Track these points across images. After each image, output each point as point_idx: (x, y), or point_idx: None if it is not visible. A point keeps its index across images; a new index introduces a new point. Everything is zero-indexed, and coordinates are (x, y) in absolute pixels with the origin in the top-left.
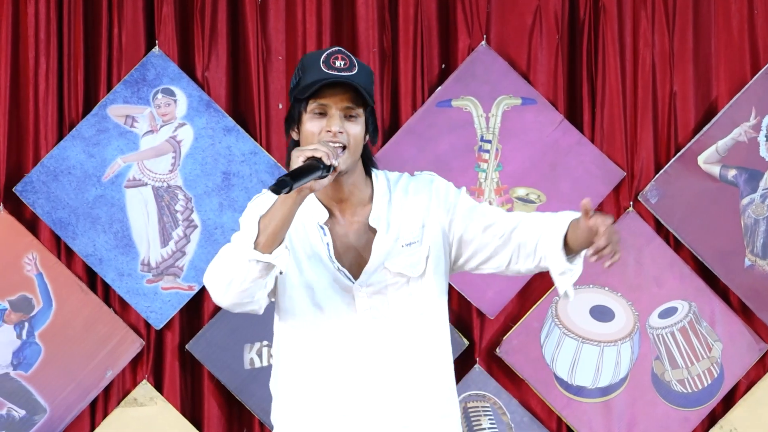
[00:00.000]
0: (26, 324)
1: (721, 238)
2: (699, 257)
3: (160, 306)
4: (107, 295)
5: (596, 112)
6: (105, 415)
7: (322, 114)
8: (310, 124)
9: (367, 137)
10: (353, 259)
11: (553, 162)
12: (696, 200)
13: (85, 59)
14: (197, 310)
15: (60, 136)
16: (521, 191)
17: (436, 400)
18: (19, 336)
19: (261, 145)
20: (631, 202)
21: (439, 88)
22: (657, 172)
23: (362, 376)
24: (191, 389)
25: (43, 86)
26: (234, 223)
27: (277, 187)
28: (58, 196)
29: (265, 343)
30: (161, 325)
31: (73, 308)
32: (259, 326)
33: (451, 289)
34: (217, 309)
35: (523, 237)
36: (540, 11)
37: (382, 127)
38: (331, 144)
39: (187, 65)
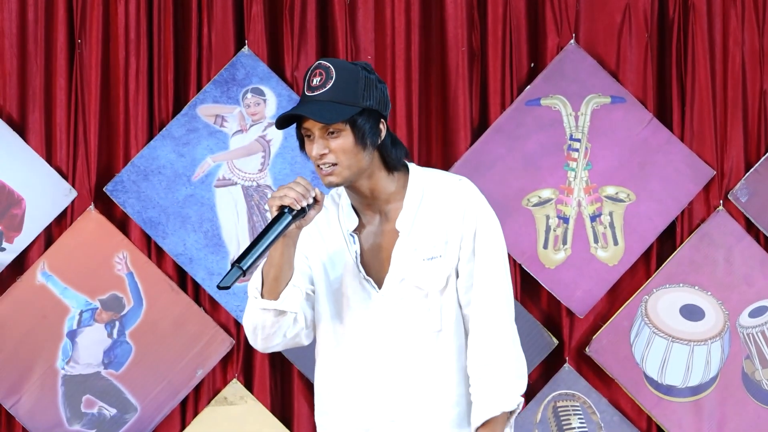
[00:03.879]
0: (117, 323)
1: None
2: None
3: None
4: (197, 294)
5: (686, 111)
6: (195, 413)
7: (310, 137)
8: (307, 149)
9: (369, 140)
10: (379, 265)
11: (642, 161)
12: None
13: (174, 59)
14: None
15: (150, 136)
16: (610, 190)
17: (448, 421)
18: (110, 335)
19: None
20: (721, 201)
21: (528, 86)
22: (747, 170)
23: (378, 389)
24: (281, 388)
25: (133, 86)
26: None
27: (227, 283)
28: (149, 196)
29: None
30: None
31: (164, 307)
32: None
33: (540, 288)
34: None
35: (470, 346)
36: (629, 10)
37: (471, 126)
38: (323, 165)
39: (276, 65)
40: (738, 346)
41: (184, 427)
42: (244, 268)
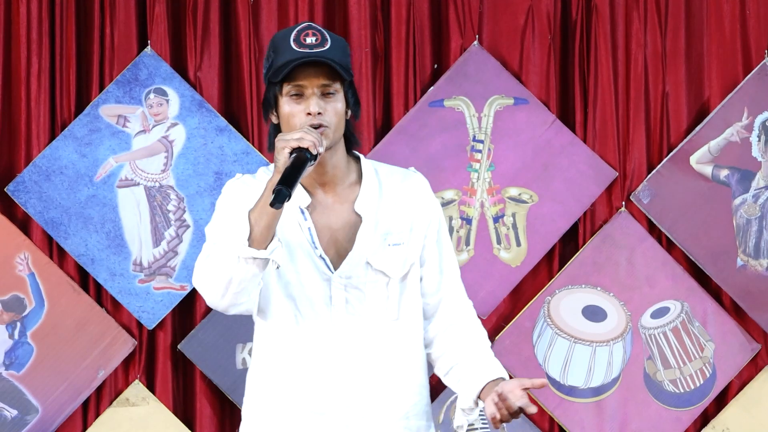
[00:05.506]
0: (18, 324)
1: (714, 238)
2: (691, 257)
3: (153, 306)
4: (99, 294)
5: (588, 112)
6: (97, 415)
7: (299, 95)
8: (289, 107)
9: (349, 112)
10: (333, 246)
11: (545, 162)
12: (688, 200)
13: (77, 59)
14: (189, 310)
15: (52, 136)
16: (513, 191)
17: (405, 411)
18: (11, 336)
19: (253, 144)
20: (624, 202)
21: (432, 88)
22: (649, 172)
23: (332, 373)
24: (183, 389)
25: (35, 86)
26: None
27: (279, 201)
28: (50, 196)
29: None
30: (153, 325)
31: (65, 308)
32: (251, 326)
33: None
34: (210, 309)
35: (447, 327)
36: (532, 11)
37: (374, 127)
38: (311, 127)
39: (179, 65)
40: (640, 347)
41: (85, 428)
42: (291, 193)
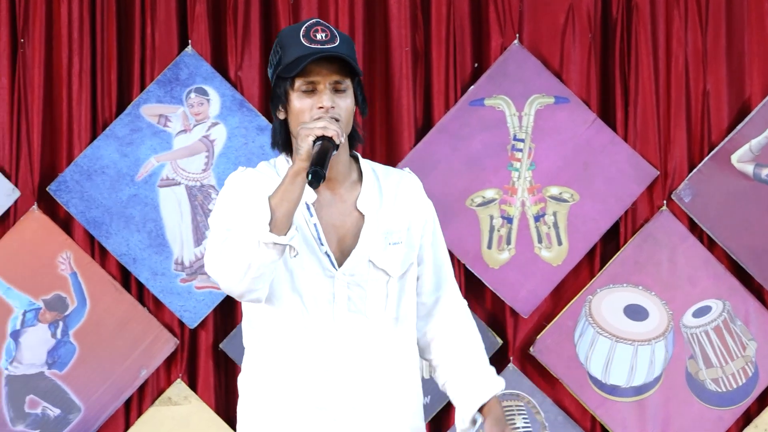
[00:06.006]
0: (61, 323)
1: (755, 237)
2: (733, 256)
3: (194, 305)
4: (141, 294)
5: (629, 111)
6: (139, 414)
7: (311, 91)
8: (300, 102)
9: (362, 108)
10: (337, 243)
11: (586, 161)
12: (730, 199)
13: (118, 58)
14: (231, 309)
15: (93, 136)
16: (554, 190)
17: (403, 409)
18: (53, 335)
19: None
20: (665, 201)
21: (472, 87)
22: (690, 170)
23: (333, 369)
24: (225, 388)
25: (76, 86)
26: None
27: (316, 181)
28: (92, 196)
29: None
30: (195, 324)
31: (108, 307)
32: None
33: (484, 288)
34: None
35: (443, 331)
36: (572, 10)
37: (415, 126)
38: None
39: (220, 64)
40: (682, 346)
41: (128, 427)
42: (325, 174)
